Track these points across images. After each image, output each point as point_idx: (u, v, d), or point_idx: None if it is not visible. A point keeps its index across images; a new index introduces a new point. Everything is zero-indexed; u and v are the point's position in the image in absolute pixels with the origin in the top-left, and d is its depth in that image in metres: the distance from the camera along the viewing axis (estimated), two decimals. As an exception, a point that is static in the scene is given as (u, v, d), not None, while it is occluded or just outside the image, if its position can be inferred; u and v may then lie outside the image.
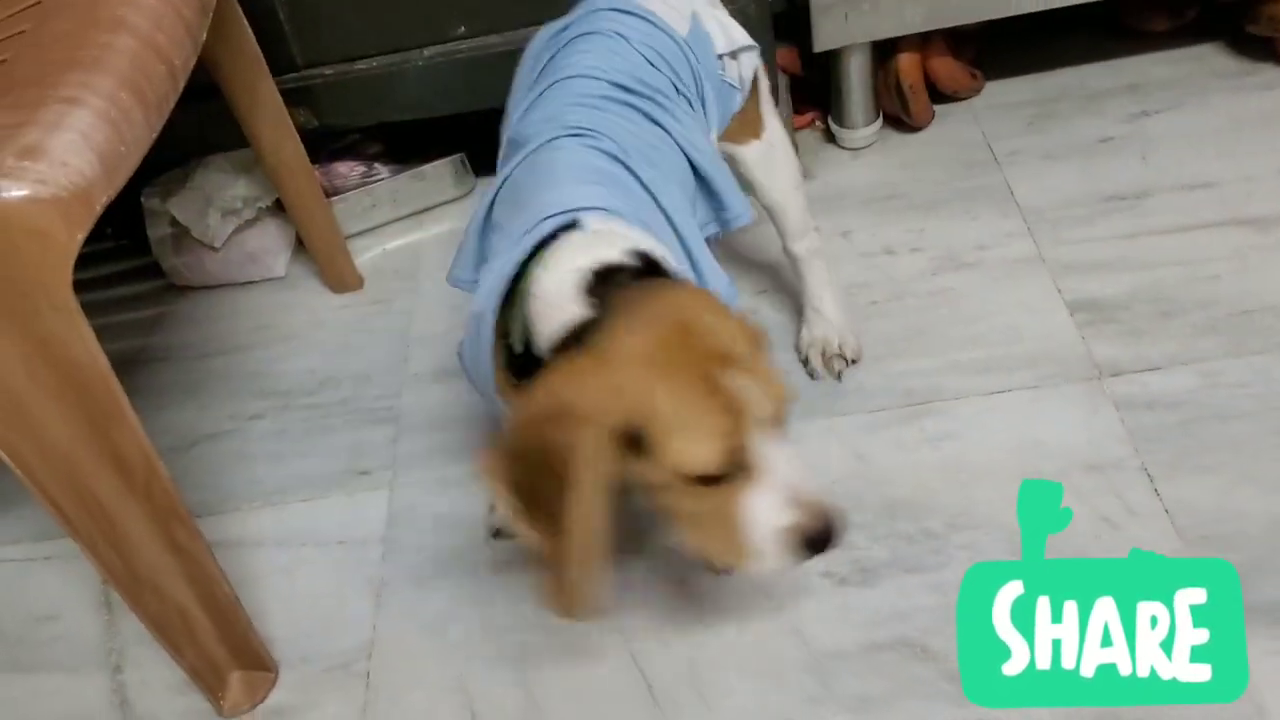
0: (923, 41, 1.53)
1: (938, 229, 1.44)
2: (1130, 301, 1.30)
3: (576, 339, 0.84)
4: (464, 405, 1.33)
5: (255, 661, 1.12)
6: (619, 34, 1.07)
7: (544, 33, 1.14)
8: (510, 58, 1.16)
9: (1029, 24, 1.53)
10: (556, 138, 0.98)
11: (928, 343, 1.30)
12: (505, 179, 0.99)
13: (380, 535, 1.23)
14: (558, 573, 0.84)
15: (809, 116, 1.63)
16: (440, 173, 1.60)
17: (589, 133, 0.97)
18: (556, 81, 1.05)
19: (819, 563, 1.09)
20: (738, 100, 1.15)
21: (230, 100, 1.34)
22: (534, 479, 0.82)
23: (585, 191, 0.92)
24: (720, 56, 1.13)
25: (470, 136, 1.60)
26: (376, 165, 1.59)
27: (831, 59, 1.52)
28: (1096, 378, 1.22)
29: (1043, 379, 1.24)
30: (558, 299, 0.86)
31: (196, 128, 1.48)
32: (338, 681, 1.12)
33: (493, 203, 1.00)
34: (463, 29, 1.44)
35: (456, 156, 1.61)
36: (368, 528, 1.24)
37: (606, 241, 0.88)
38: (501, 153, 1.08)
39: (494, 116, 1.14)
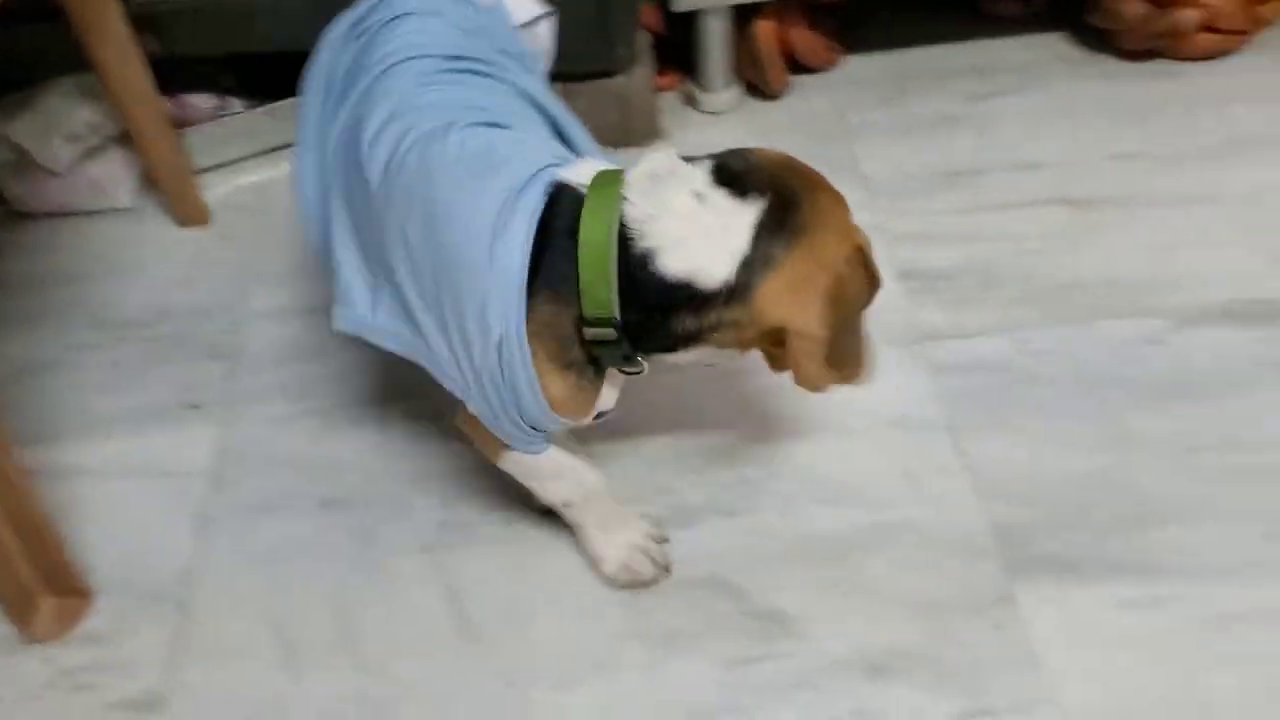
0: (782, 11, 1.56)
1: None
2: (956, 272, 1.35)
3: (775, 221, 0.85)
4: (303, 346, 1.33)
5: (69, 588, 1.11)
6: (436, 12, 1.06)
7: (339, 28, 1.11)
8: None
9: (891, 2, 1.58)
10: (422, 136, 0.93)
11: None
12: (387, 195, 0.94)
13: (208, 469, 1.22)
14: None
15: (671, 78, 1.66)
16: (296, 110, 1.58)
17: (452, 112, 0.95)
18: (389, 68, 1.01)
19: (641, 506, 1.13)
20: (540, 69, 1.16)
21: (75, 22, 1.31)
22: (844, 318, 0.90)
23: (522, 161, 0.89)
24: (520, 27, 1.14)
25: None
26: (230, 99, 1.57)
27: (692, 21, 1.54)
28: (916, 341, 1.28)
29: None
30: (691, 216, 0.85)
31: (40, 49, 1.46)
32: (154, 610, 1.11)
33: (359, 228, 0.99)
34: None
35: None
36: (195, 461, 1.23)
37: (612, 167, 0.90)
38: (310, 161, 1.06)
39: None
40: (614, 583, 1.08)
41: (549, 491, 1.04)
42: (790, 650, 1.02)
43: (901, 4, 1.62)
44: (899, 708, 0.98)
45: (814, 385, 0.91)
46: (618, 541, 1.07)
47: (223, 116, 1.56)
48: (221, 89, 1.57)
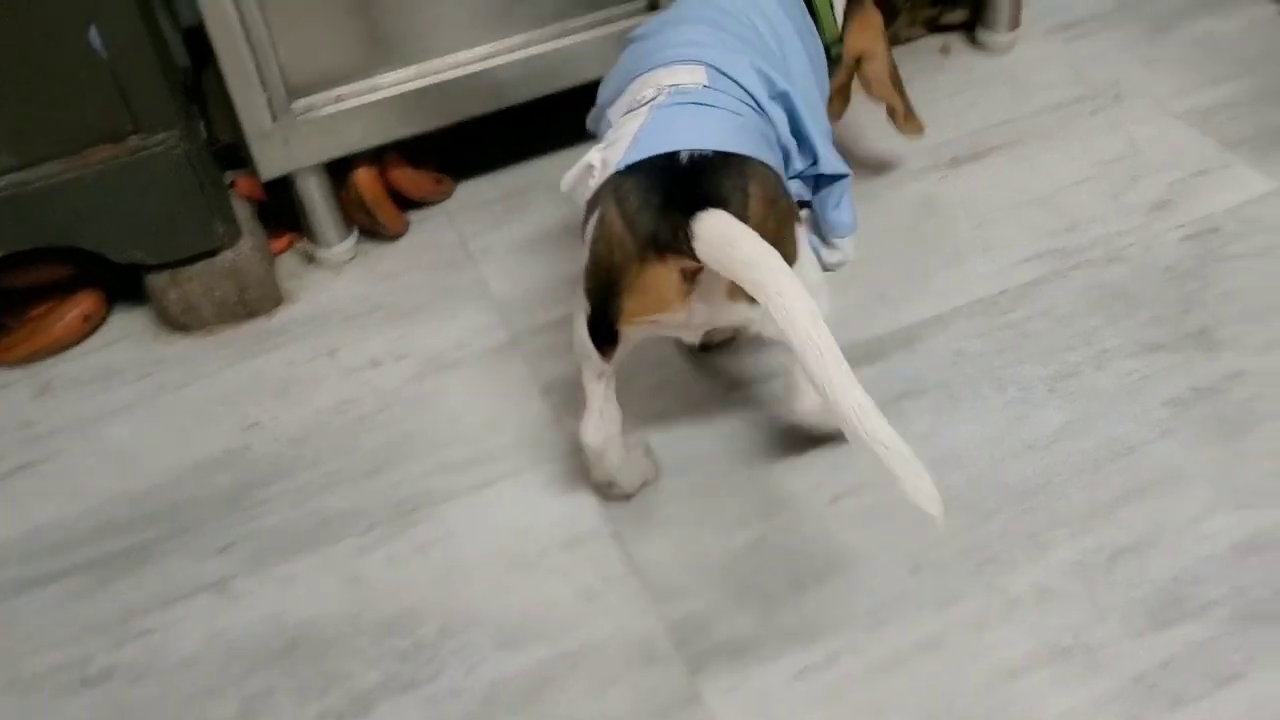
0: (378, 156, 1.57)
1: (421, 334, 1.47)
2: (596, 375, 1.38)
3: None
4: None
5: None
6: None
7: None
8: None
9: (493, 122, 1.60)
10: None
11: (416, 449, 1.32)
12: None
13: None
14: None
15: (286, 239, 1.62)
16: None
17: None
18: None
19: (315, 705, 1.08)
20: None
21: None
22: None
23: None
24: None
25: None
26: None
27: (289, 183, 1.52)
28: (569, 454, 1.29)
29: (521, 465, 1.28)
30: None
31: None
32: None
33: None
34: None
35: None
36: None
37: None
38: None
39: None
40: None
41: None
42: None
43: (508, 121, 1.65)
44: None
45: (890, 92, 1.44)
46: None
47: None
48: None
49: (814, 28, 1.30)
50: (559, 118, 1.73)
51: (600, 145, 1.08)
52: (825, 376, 0.92)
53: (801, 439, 1.26)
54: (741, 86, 1.10)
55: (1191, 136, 1.58)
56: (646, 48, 1.17)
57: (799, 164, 1.20)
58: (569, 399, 1.35)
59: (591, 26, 1.52)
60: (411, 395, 1.39)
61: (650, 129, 1.02)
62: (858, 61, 1.42)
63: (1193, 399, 1.25)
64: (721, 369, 1.36)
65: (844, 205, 1.30)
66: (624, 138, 1.03)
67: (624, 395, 1.31)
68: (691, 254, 0.96)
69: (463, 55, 1.49)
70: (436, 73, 1.49)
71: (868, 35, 1.39)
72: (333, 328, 1.50)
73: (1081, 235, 1.45)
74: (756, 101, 1.11)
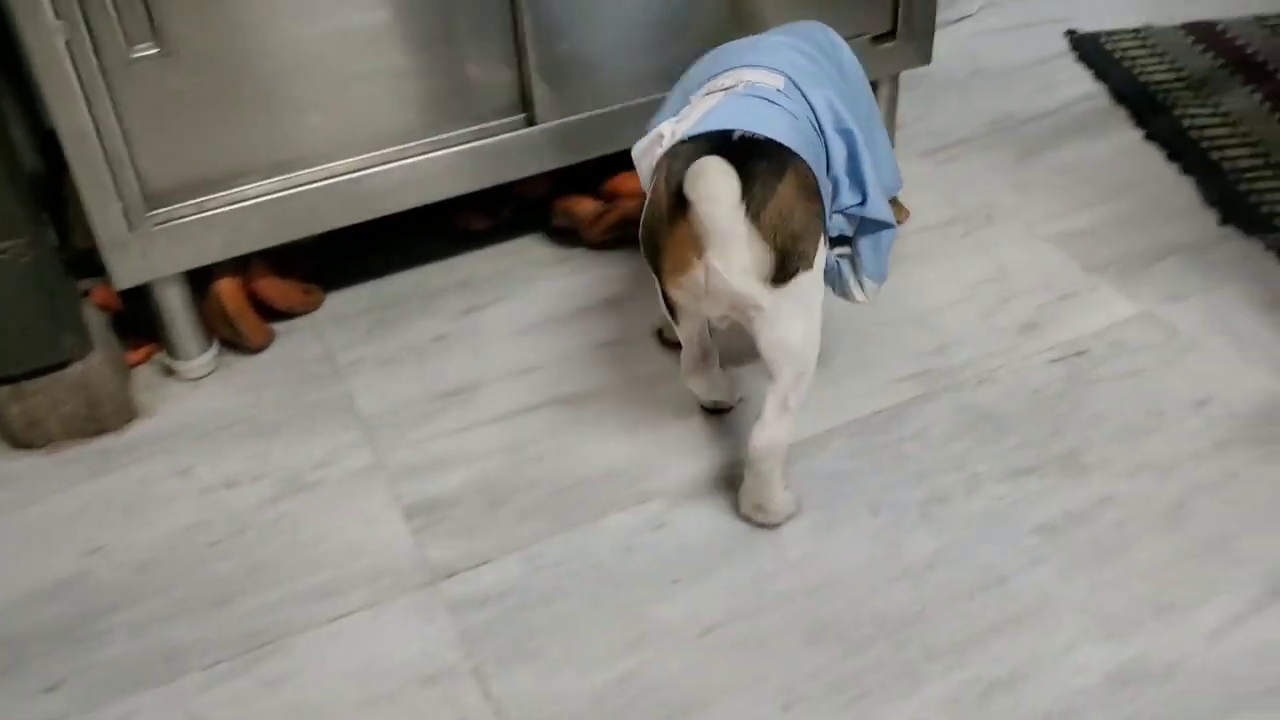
0: (242, 265, 1.51)
1: (280, 452, 1.41)
2: (462, 497, 1.32)
3: None
4: None
5: None
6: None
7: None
8: None
9: (365, 232, 1.57)
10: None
11: (269, 576, 1.25)
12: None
13: None
14: None
15: (144, 350, 1.55)
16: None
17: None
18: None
19: None
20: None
21: None
22: None
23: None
24: None
25: None
26: None
27: (146, 293, 1.46)
28: (431, 583, 1.23)
29: (380, 594, 1.22)
30: None
31: None
32: None
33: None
34: None
35: None
36: None
37: None
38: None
39: None
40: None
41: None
42: None
43: (376, 232, 1.62)
44: None
45: None
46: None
47: None
48: None
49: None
50: (434, 227, 1.71)
51: (672, 119, 1.19)
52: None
53: (676, 564, 1.22)
54: (811, 107, 1.20)
55: (1059, 260, 1.61)
56: (737, 49, 1.29)
57: (847, 199, 1.24)
58: (433, 522, 1.29)
59: (464, 140, 1.50)
60: (267, 518, 1.32)
61: (718, 111, 1.13)
62: None
63: (1063, 524, 1.24)
64: (594, 490, 1.32)
65: (883, 254, 1.33)
66: (694, 114, 1.15)
67: (491, 519, 1.27)
68: None
69: (332, 165, 1.46)
70: (304, 182, 1.45)
71: None
72: (188, 445, 1.43)
73: (953, 356, 1.46)
74: (820, 125, 1.20)
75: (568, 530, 1.27)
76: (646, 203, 1.13)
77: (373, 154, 1.48)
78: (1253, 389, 1.39)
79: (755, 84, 1.18)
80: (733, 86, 1.18)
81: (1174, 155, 1.81)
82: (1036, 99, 1.96)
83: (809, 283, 1.12)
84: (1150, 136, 1.86)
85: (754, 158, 1.07)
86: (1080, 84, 2.00)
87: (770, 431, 1.18)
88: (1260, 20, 2.15)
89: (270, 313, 1.58)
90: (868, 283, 1.35)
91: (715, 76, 1.24)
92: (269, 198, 1.44)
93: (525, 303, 1.62)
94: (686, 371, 1.31)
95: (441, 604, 1.20)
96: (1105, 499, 1.26)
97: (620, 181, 1.66)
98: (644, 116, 1.56)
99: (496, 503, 1.31)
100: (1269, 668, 1.09)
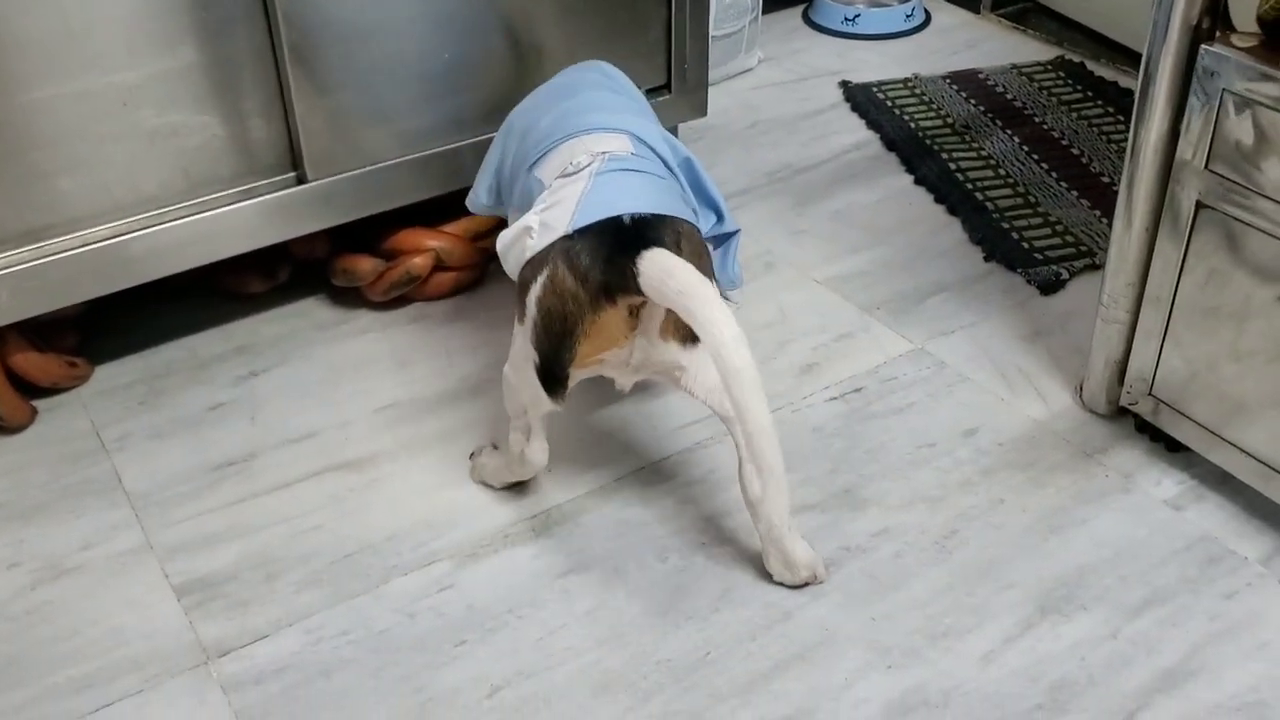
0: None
1: (39, 537, 1.32)
2: (238, 571, 1.27)
3: None
4: None
5: None
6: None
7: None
8: None
9: (135, 299, 1.49)
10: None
11: (19, 674, 1.16)
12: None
13: None
14: None
15: (-116, 436, 1.44)
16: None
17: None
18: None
19: None
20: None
21: None
22: None
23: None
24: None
25: None
26: None
27: (-117, 374, 1.35)
28: (204, 663, 1.17)
29: (147, 681, 1.15)
30: None
31: None
32: None
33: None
34: None
35: None
36: None
37: None
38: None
39: None
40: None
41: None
42: None
43: (145, 299, 1.54)
44: None
45: None
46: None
47: None
48: None
49: None
50: (210, 291, 1.65)
51: (537, 208, 1.19)
52: (742, 396, 1.08)
53: (462, 625, 1.19)
54: (656, 153, 1.24)
55: (835, 302, 1.66)
56: (557, 115, 1.29)
57: (704, 225, 1.31)
58: (206, 600, 1.23)
59: (231, 201, 1.45)
60: (23, 608, 1.24)
61: (593, 195, 1.15)
62: None
63: (843, 558, 1.27)
64: (376, 556, 1.28)
65: (736, 261, 1.43)
66: (565, 201, 1.15)
67: (268, 593, 1.22)
68: (637, 289, 1.09)
69: (87, 231, 1.39)
70: (57, 251, 1.38)
71: None
72: (-67, 534, 1.33)
73: (737, 400, 1.48)
74: (668, 165, 1.25)
75: (349, 599, 1.23)
76: (545, 293, 1.12)
77: (133, 218, 1.42)
78: (1017, 417, 1.45)
79: (610, 154, 1.20)
80: (590, 164, 1.19)
81: (941, 197, 1.90)
82: (812, 148, 2.03)
83: None
84: (919, 180, 1.95)
85: (651, 232, 1.12)
86: (854, 132, 2.08)
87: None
88: (1017, 68, 2.28)
89: (31, 389, 1.49)
90: (730, 293, 1.42)
91: (557, 146, 1.24)
92: (19, 268, 1.36)
93: (306, 366, 1.57)
94: (533, 444, 1.28)
95: (215, 685, 1.14)
96: (882, 531, 1.30)
97: (402, 238, 1.63)
98: (419, 172, 1.56)
99: (273, 575, 1.26)
100: (1039, 684, 1.13)
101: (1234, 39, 1.16)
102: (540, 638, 1.18)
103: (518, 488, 1.36)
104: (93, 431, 1.47)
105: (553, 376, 1.15)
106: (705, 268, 1.15)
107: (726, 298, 1.41)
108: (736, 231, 1.40)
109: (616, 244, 1.10)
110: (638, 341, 1.16)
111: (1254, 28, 1.16)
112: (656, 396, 1.49)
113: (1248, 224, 1.19)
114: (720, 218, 1.35)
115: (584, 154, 1.21)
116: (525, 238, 1.17)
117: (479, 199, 1.43)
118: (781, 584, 1.23)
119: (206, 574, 1.27)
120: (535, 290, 1.13)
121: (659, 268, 1.08)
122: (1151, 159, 1.26)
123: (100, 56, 1.32)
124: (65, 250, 1.38)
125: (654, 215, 1.13)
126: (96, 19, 1.30)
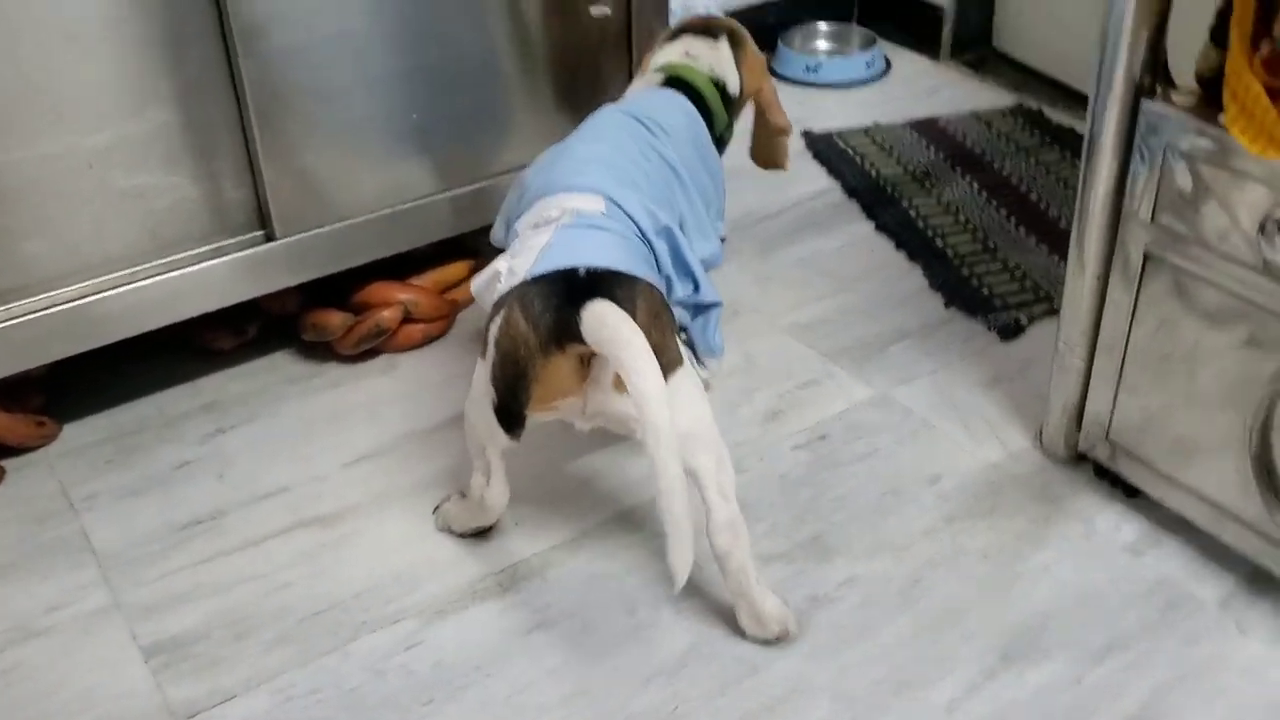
0: (-39, 401, 1.43)
1: (7, 598, 1.32)
2: (207, 630, 1.27)
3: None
4: None
5: None
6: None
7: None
8: None
9: (102, 356, 1.50)
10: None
11: (-13, 739, 1.16)
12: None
13: None
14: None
15: None
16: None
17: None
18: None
19: None
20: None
21: None
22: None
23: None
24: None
25: None
26: None
27: None
28: (172, 726, 1.17)
29: (115, 745, 1.15)
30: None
31: None
32: None
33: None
34: None
35: None
36: None
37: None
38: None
39: None
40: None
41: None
42: None
43: (113, 356, 1.55)
44: None
45: (779, 112, 1.67)
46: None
47: None
48: None
49: (708, 137, 1.54)
50: (178, 348, 1.66)
51: (507, 255, 1.24)
52: (655, 450, 1.08)
53: (430, 684, 1.19)
54: (632, 220, 1.27)
55: (799, 349, 1.68)
56: (547, 174, 1.34)
57: (680, 292, 1.34)
58: (174, 661, 1.23)
59: (200, 260, 1.47)
60: (-10, 672, 1.23)
61: (555, 246, 1.19)
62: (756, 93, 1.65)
63: (810, 608, 1.28)
64: (345, 614, 1.28)
65: (717, 331, 1.44)
66: (529, 250, 1.19)
67: (237, 652, 1.22)
68: (581, 337, 1.11)
69: (56, 292, 1.40)
70: (26, 312, 1.38)
71: (756, 73, 1.63)
72: (-103, 599, 1.32)
73: (704, 450, 1.50)
74: (644, 233, 1.28)
75: (318, 658, 1.23)
76: (501, 337, 1.15)
77: (101, 278, 1.43)
78: (978, 462, 1.47)
79: (580, 211, 1.24)
80: (558, 218, 1.23)
81: (901, 244, 1.93)
82: (775, 196, 2.05)
83: (683, 376, 1.18)
84: (880, 227, 1.98)
85: (605, 287, 1.14)
86: (815, 180, 2.12)
87: (721, 515, 1.19)
88: (976, 115, 2.33)
89: (-2, 450, 1.50)
90: (709, 361, 1.44)
91: (538, 203, 1.29)
92: (-12, 328, 1.37)
93: (275, 421, 1.58)
94: (492, 486, 1.31)
95: (181, 750, 1.14)
96: (848, 580, 1.31)
97: (371, 292, 1.65)
98: (386, 229, 1.58)
99: (242, 635, 1.26)
100: (1002, 732, 1.15)
101: (1175, 96, 1.20)
102: (508, 695, 1.19)
103: (485, 540, 1.37)
104: (60, 491, 1.47)
105: (509, 414, 1.17)
106: (661, 326, 1.17)
107: (703, 364, 1.44)
108: (718, 303, 1.42)
109: (568, 293, 1.13)
110: (589, 392, 1.18)
111: (1194, 85, 1.20)
112: (625, 442, 1.50)
113: (1194, 274, 1.22)
114: (697, 287, 1.37)
115: (556, 209, 1.25)
116: (495, 282, 1.22)
117: (498, 235, 1.48)
118: (754, 638, 1.24)
119: (176, 634, 1.27)
120: (494, 331, 1.17)
121: (596, 317, 1.11)
122: (1100, 211, 1.29)
123: (68, 119, 1.33)
124: (33, 311, 1.39)
125: (610, 270, 1.16)
126: (64, 82, 1.31)
